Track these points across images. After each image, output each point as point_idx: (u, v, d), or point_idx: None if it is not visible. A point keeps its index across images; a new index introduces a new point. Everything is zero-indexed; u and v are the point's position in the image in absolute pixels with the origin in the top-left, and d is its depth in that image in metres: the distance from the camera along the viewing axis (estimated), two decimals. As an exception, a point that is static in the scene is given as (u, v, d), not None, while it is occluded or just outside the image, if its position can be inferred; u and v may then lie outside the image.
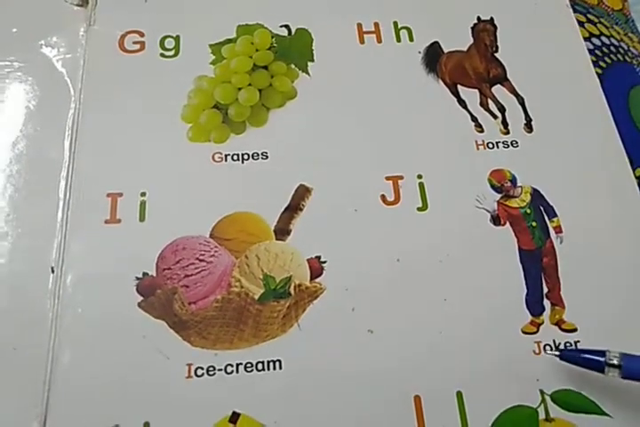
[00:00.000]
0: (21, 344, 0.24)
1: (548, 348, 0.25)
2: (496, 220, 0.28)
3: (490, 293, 0.26)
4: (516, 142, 0.30)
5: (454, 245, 0.27)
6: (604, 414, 0.24)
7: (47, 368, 0.23)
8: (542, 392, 0.25)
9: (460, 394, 0.24)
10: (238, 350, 0.24)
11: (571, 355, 0.24)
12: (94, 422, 0.23)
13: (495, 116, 0.31)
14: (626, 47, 0.37)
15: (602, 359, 0.23)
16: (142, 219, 0.27)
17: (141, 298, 0.25)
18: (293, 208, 0.28)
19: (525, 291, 0.27)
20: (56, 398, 0.23)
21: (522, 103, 0.32)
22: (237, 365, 0.24)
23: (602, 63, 0.35)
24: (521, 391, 0.24)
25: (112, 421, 0.23)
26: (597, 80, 0.33)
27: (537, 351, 0.25)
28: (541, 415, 0.24)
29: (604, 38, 0.37)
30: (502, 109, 0.32)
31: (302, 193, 0.28)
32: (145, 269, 0.26)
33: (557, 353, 0.24)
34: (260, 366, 0.24)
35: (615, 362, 0.23)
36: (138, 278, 0.25)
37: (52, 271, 0.25)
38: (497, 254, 0.27)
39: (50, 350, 0.24)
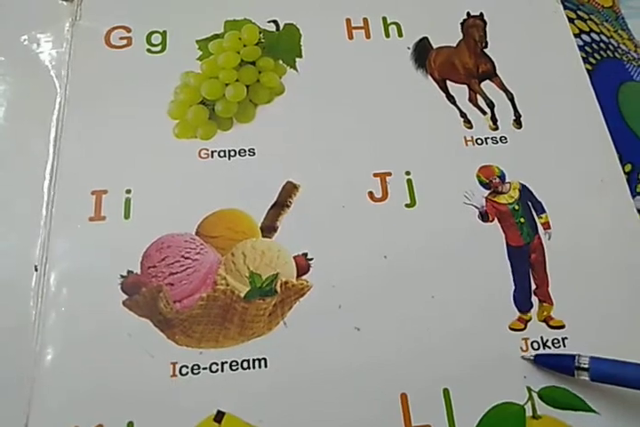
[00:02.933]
0: (4, 343, 0.23)
1: (526, 353, 0.25)
2: (484, 216, 0.28)
3: (477, 289, 0.26)
4: (505, 138, 0.30)
5: (442, 241, 0.27)
6: (590, 410, 0.24)
7: (30, 367, 0.23)
8: (529, 389, 0.24)
9: (446, 391, 0.24)
10: (224, 349, 0.24)
11: (543, 359, 0.24)
12: (78, 421, 0.22)
13: (484, 112, 0.31)
14: (616, 44, 0.37)
15: (572, 363, 0.23)
16: (127, 216, 0.26)
17: (126, 296, 0.25)
18: (280, 205, 0.27)
19: (513, 287, 0.26)
20: (39, 397, 0.23)
21: (511, 99, 0.32)
22: (222, 363, 0.24)
23: (592, 59, 0.34)
24: (508, 389, 0.24)
25: (95, 420, 0.22)
26: (587, 76, 0.33)
27: (524, 348, 0.25)
28: (528, 412, 0.24)
29: (593, 35, 0.37)
30: (491, 105, 0.31)
31: (289, 190, 0.28)
32: (130, 267, 0.25)
33: (532, 357, 0.25)
34: (245, 365, 0.24)
35: (584, 365, 0.23)
36: (122, 276, 0.25)
37: (36, 270, 0.25)
38: (485, 251, 0.27)
39: (33, 349, 0.24)
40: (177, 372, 0.23)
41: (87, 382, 0.23)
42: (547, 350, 0.25)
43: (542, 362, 0.24)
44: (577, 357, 0.24)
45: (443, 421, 0.24)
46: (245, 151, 0.29)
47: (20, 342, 0.24)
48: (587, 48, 0.35)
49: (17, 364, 0.23)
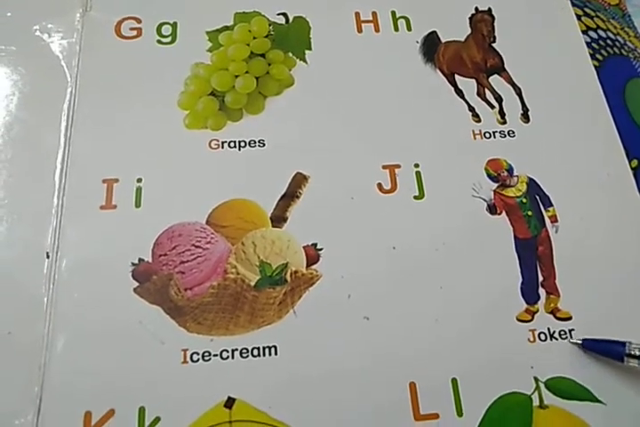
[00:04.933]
0: (17, 328, 0.23)
1: (571, 338, 0.26)
2: (492, 209, 0.28)
3: (485, 281, 0.26)
4: (513, 132, 0.31)
5: (450, 233, 0.27)
6: (597, 400, 0.25)
7: (42, 352, 0.23)
8: (536, 380, 0.25)
9: (454, 381, 0.24)
10: (234, 336, 0.24)
11: (592, 344, 0.25)
12: (90, 406, 0.23)
13: (492, 106, 0.31)
14: (622, 41, 0.38)
15: (622, 350, 0.24)
16: (138, 205, 0.27)
17: (137, 284, 0.25)
18: (290, 196, 0.28)
19: (521, 279, 0.27)
20: (51, 382, 0.23)
21: (519, 93, 0.32)
22: (233, 350, 0.24)
23: (599, 56, 0.35)
24: (515, 379, 0.25)
25: (107, 405, 0.23)
26: (594, 72, 0.33)
27: (531, 339, 0.25)
28: (535, 402, 0.24)
29: (600, 32, 0.37)
30: (499, 99, 0.32)
31: (299, 181, 0.28)
32: (141, 255, 0.25)
33: (580, 342, 0.25)
34: (255, 352, 0.24)
35: (635, 353, 0.24)
36: (133, 264, 0.25)
37: (48, 257, 0.25)
38: (493, 243, 0.27)
39: (45, 335, 0.24)
40: (188, 358, 0.24)
41: (98, 368, 0.23)
42: (554, 342, 0.25)
43: (590, 347, 0.25)
44: (628, 344, 0.24)
45: (451, 409, 0.24)
46: (255, 142, 0.29)
47: (31, 328, 0.24)
48: (594, 45, 0.35)
49: (29, 349, 0.23)
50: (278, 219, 0.27)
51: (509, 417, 0.24)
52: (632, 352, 0.24)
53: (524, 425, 0.24)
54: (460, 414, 0.24)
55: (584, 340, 0.25)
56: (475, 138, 0.30)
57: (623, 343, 0.25)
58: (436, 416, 0.24)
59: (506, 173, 0.30)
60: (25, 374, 0.23)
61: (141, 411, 0.23)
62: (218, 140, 0.29)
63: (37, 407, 0.22)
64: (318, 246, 0.26)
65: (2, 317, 0.24)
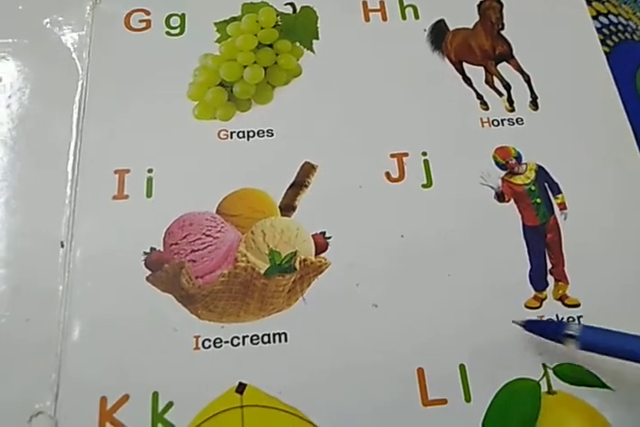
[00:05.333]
0: (34, 316, 0.24)
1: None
2: (500, 196, 0.28)
3: (493, 268, 0.27)
4: (522, 120, 0.30)
5: (458, 221, 0.27)
6: (605, 386, 0.25)
7: (59, 339, 0.24)
8: (545, 366, 0.25)
9: (462, 367, 0.24)
10: (245, 323, 0.25)
11: (532, 325, 0.24)
12: (105, 391, 0.23)
13: (501, 94, 0.31)
14: (634, 26, 0.37)
15: (561, 330, 0.23)
16: (149, 195, 0.27)
17: (149, 272, 0.25)
18: (299, 185, 0.28)
19: (529, 266, 0.27)
20: (68, 369, 0.23)
21: (527, 81, 0.32)
22: (244, 337, 0.24)
23: (609, 42, 0.34)
24: (524, 365, 0.25)
25: (122, 390, 0.23)
26: (604, 58, 0.33)
27: (540, 326, 0.26)
28: (544, 388, 0.24)
29: (611, 17, 0.36)
30: (508, 87, 0.31)
31: (307, 170, 0.28)
32: (152, 244, 0.26)
33: (523, 324, 0.25)
34: (265, 339, 0.25)
35: (573, 333, 0.23)
36: (145, 253, 0.26)
37: (62, 246, 0.26)
38: (501, 231, 0.27)
39: (61, 322, 0.24)
40: (200, 345, 0.24)
41: (113, 355, 0.24)
42: (561, 328, 0.26)
43: (531, 328, 0.24)
44: (566, 325, 0.24)
45: (459, 395, 0.24)
46: (264, 132, 0.29)
47: (47, 316, 0.24)
48: (604, 30, 0.35)
49: (45, 337, 0.24)
50: (287, 208, 0.27)
51: (517, 403, 0.24)
52: (570, 332, 0.23)
53: (533, 410, 0.24)
54: (468, 399, 0.24)
55: (527, 321, 0.25)
56: (483, 126, 0.30)
57: (563, 324, 0.24)
58: (444, 402, 0.24)
59: (514, 161, 0.29)
60: (43, 360, 0.23)
61: (155, 396, 0.23)
62: (227, 131, 0.29)
63: (55, 393, 0.23)
64: (327, 235, 0.27)
65: (20, 304, 0.24)
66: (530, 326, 0.24)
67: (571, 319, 0.26)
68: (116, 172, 0.27)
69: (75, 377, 0.23)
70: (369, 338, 0.25)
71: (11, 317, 0.24)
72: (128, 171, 0.27)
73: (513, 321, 0.25)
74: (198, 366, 0.24)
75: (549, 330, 0.24)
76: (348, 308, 0.25)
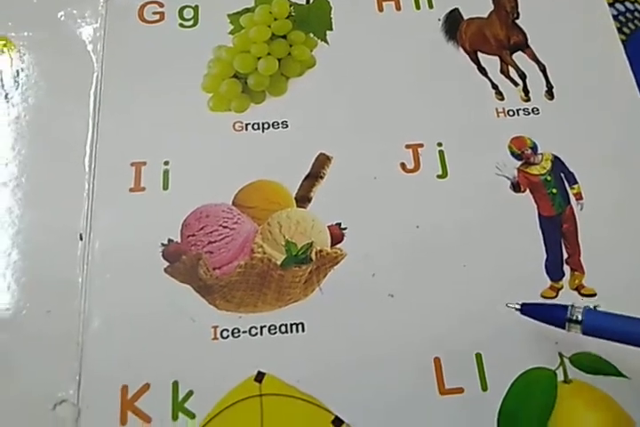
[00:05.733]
0: (54, 308, 0.25)
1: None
2: (516, 187, 0.28)
3: (509, 258, 0.26)
4: (537, 110, 0.30)
5: (474, 211, 0.27)
6: (621, 375, 0.25)
7: (79, 330, 0.24)
8: (561, 355, 0.25)
9: (479, 356, 0.25)
10: (262, 313, 0.25)
11: (531, 309, 0.23)
12: (126, 380, 0.24)
13: (516, 84, 0.31)
14: (651, 13, 0.37)
15: (564, 314, 0.22)
16: (166, 187, 0.27)
17: (167, 264, 0.26)
18: (314, 176, 0.28)
19: (545, 256, 0.27)
20: (89, 358, 0.24)
21: (543, 70, 0.31)
22: (261, 327, 0.25)
23: (626, 29, 0.34)
24: (540, 354, 0.25)
25: (143, 379, 0.24)
26: (621, 46, 0.32)
27: (556, 316, 0.26)
28: (560, 377, 0.25)
29: (628, 4, 0.36)
30: (523, 77, 0.31)
31: (322, 161, 0.28)
32: (170, 235, 0.26)
33: (518, 307, 0.23)
34: (283, 329, 0.25)
35: (577, 317, 0.22)
36: (163, 245, 0.26)
37: (81, 238, 0.26)
38: (517, 221, 0.27)
39: (81, 313, 0.25)
40: (218, 335, 0.24)
41: (133, 345, 0.24)
42: (578, 318, 0.26)
43: (529, 312, 0.23)
44: (570, 307, 0.22)
45: (476, 384, 0.24)
46: (279, 124, 0.29)
47: (67, 308, 0.25)
48: (621, 18, 0.34)
49: (66, 328, 0.24)
50: (303, 199, 0.28)
51: (534, 391, 0.24)
52: (574, 317, 0.22)
53: (549, 399, 0.24)
54: (484, 388, 0.24)
55: (523, 304, 0.23)
56: (498, 116, 0.30)
57: (565, 307, 0.23)
58: (460, 391, 0.24)
59: (530, 151, 0.29)
60: (64, 350, 0.24)
61: (175, 385, 0.23)
62: (242, 122, 0.29)
63: (78, 382, 0.23)
64: (342, 226, 0.27)
65: (41, 296, 0.25)
66: (527, 310, 0.23)
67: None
68: (132, 164, 0.27)
69: (96, 367, 0.24)
70: (385, 328, 0.25)
71: (32, 309, 0.25)
72: (144, 163, 0.27)
73: (507, 304, 0.24)
74: (217, 355, 0.24)
75: (548, 314, 0.23)
76: (364, 298, 0.25)
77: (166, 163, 0.28)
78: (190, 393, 0.23)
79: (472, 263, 0.26)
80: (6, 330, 0.24)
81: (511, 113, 0.30)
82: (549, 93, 0.31)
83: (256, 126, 0.29)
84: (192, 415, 0.23)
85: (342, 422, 0.23)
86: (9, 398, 0.23)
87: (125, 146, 0.28)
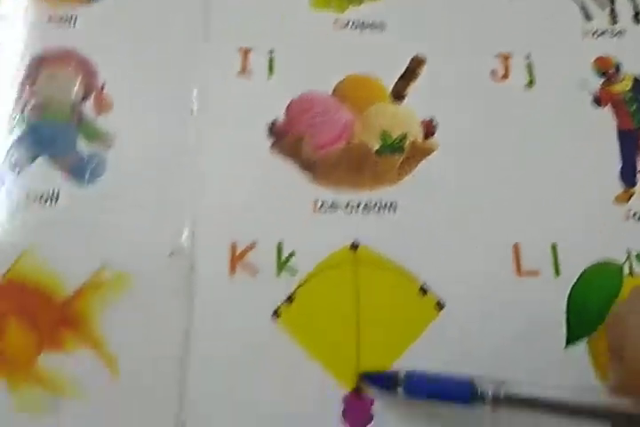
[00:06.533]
0: (170, 167, 0.26)
1: None
2: (598, 101, 0.30)
3: (587, 163, 0.28)
4: (623, 32, 0.31)
5: (557, 121, 0.29)
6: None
7: (193, 190, 0.26)
8: (628, 251, 0.27)
9: (554, 245, 0.27)
10: (358, 192, 0.27)
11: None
12: (235, 237, 0.25)
13: (604, 7, 0.32)
14: None
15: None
16: (271, 73, 0.29)
17: (273, 140, 0.27)
18: (408, 76, 0.29)
19: (620, 165, 0.29)
20: (202, 215, 0.26)
21: (631, -4, 0.33)
22: (357, 204, 0.27)
23: None
24: (609, 249, 0.27)
25: (250, 237, 0.25)
26: None
27: (626, 217, 0.28)
28: (626, 271, 0.27)
29: None
30: (611, 0, 0.32)
31: (417, 63, 0.30)
32: (275, 116, 0.28)
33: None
34: (377, 207, 0.27)
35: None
36: (269, 124, 0.28)
37: (192, 112, 0.28)
38: (596, 132, 0.29)
39: (194, 176, 0.26)
40: (318, 207, 0.27)
41: (242, 208, 0.26)
42: None
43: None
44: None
45: (550, 269, 0.26)
46: (376, 25, 0.30)
47: (181, 168, 0.27)
48: None
49: (181, 186, 0.26)
50: (397, 96, 0.29)
51: (601, 280, 0.26)
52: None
53: (614, 288, 0.26)
54: (557, 273, 0.26)
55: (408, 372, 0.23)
56: (585, 36, 0.31)
57: (465, 382, 0.22)
58: (536, 273, 0.26)
59: (613, 70, 0.31)
60: (177, 203, 0.26)
61: (279, 245, 0.26)
62: (341, 21, 0.30)
63: (191, 233, 0.25)
64: (434, 122, 0.29)
65: (153, 158, 0.27)
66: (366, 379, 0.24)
67: (655, 215, 0.28)
68: (240, 49, 0.29)
69: (208, 222, 0.26)
70: (470, 213, 0.27)
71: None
72: (251, 49, 0.29)
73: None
74: (317, 225, 0.26)
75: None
76: (452, 185, 0.27)
77: (271, 51, 0.29)
78: (292, 254, 0.26)
79: (553, 163, 0.28)
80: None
81: (597, 34, 0.31)
82: (636, 18, 0.32)
83: (354, 26, 0.30)
84: (294, 273, 0.25)
85: (428, 290, 0.26)
86: (127, 249, 0.25)
87: (235, 32, 0.29)
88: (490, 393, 0.21)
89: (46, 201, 0.26)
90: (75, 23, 0.28)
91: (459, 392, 0.22)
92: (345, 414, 0.24)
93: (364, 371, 0.24)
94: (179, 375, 0.24)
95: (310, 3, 0.30)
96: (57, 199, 0.26)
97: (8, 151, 0.26)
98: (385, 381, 0.24)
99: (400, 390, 0.23)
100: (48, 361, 0.24)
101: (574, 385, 0.24)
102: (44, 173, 0.26)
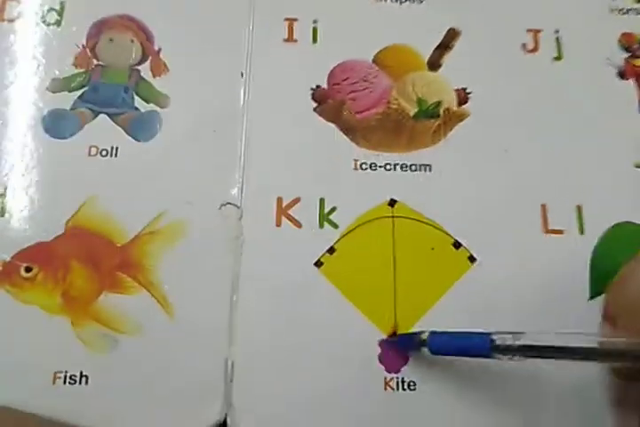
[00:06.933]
0: (220, 128, 0.28)
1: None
2: (622, 75, 0.32)
3: (609, 132, 0.30)
4: (647, 11, 0.33)
5: (585, 92, 0.31)
6: (701, 236, 0.29)
7: (242, 150, 0.28)
8: (649, 198, 0.29)
9: (579, 207, 0.28)
10: (396, 154, 0.29)
11: (440, 343, 0.24)
12: (281, 192, 0.27)
13: (630, -13, 0.34)
14: None
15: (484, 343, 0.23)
16: (315, 41, 0.30)
17: (315, 104, 0.29)
18: (444, 46, 0.31)
19: (643, 133, 0.31)
20: (251, 171, 0.28)
21: (656, -25, 0.34)
22: (395, 164, 0.28)
23: None
24: (631, 211, 0.28)
25: (295, 193, 0.27)
26: None
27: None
28: (646, 229, 0.29)
29: None
30: (637, -19, 0.34)
31: (452, 35, 0.31)
32: (318, 82, 0.30)
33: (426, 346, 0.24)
34: (413, 168, 0.29)
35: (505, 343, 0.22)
36: (312, 89, 0.30)
37: (242, 76, 0.29)
38: (620, 104, 0.31)
39: (243, 137, 0.28)
40: (358, 167, 0.28)
41: (287, 164, 0.28)
42: None
43: (438, 349, 0.24)
44: (490, 336, 0.23)
45: (575, 228, 0.28)
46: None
47: (231, 131, 0.28)
48: None
49: (232, 148, 0.28)
50: (433, 65, 0.31)
51: (624, 239, 0.28)
52: (499, 344, 0.22)
53: (636, 247, 0.28)
54: (582, 232, 0.28)
55: (431, 333, 0.24)
56: (612, 12, 0.33)
57: (485, 335, 0.23)
58: (561, 232, 0.28)
59: (637, 46, 0.32)
60: (232, 162, 0.28)
61: (322, 201, 0.27)
62: (381, -5, 0.32)
63: (241, 189, 0.27)
64: (467, 90, 0.30)
65: (208, 118, 0.29)
66: (435, 345, 0.24)
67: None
68: (285, 19, 0.31)
69: (256, 178, 0.28)
70: (501, 177, 0.29)
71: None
72: (296, 19, 0.31)
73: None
74: (357, 183, 0.28)
75: (471, 346, 0.23)
76: (483, 150, 0.29)
77: (315, 21, 0.31)
78: (334, 209, 0.27)
79: (578, 131, 0.30)
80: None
81: (623, 12, 0.33)
82: (660, -3, 0.34)
83: (394, 0, 0.32)
84: (336, 226, 0.27)
85: (461, 244, 0.27)
86: (181, 200, 0.27)
87: (280, 2, 0.31)
88: (508, 343, 0.22)
89: (107, 155, 0.28)
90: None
91: (479, 348, 0.23)
92: (381, 356, 0.26)
93: (390, 335, 0.26)
94: (228, 317, 0.26)
95: (351, -23, 0.32)
96: (117, 154, 0.28)
97: (72, 108, 0.28)
98: (410, 342, 0.26)
99: (425, 349, 0.25)
100: (108, 302, 0.26)
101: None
102: (104, 129, 0.28)
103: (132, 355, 0.26)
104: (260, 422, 0.25)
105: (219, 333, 0.26)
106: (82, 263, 0.27)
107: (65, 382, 0.25)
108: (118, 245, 0.27)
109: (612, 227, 0.28)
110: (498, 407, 0.26)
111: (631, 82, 0.31)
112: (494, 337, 0.22)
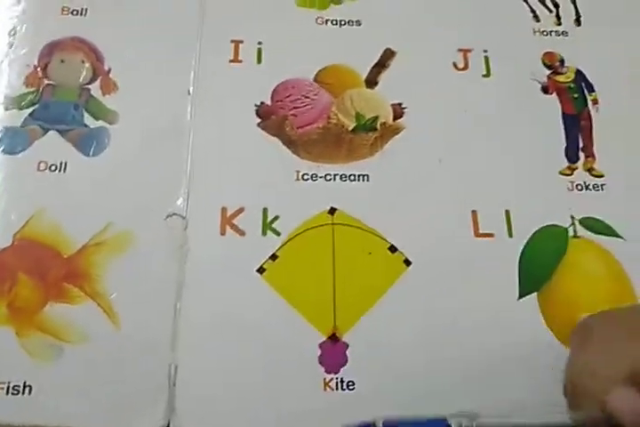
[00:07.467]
0: (164, 145, 0.30)
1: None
2: (545, 90, 0.34)
3: (535, 143, 0.32)
4: (567, 33, 0.36)
5: (511, 105, 0.33)
6: (618, 236, 0.30)
7: (187, 160, 0.29)
8: (572, 217, 0.31)
9: (508, 211, 0.30)
10: (335, 165, 0.30)
11: None
12: (225, 203, 0.28)
13: (550, 10, 0.37)
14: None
15: None
16: (259, 61, 0.32)
17: (259, 120, 0.31)
18: (380, 65, 0.33)
19: (565, 144, 0.33)
20: (196, 181, 0.29)
21: (573, 2, 0.37)
22: (335, 175, 0.30)
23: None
24: (556, 215, 0.30)
25: (239, 204, 0.29)
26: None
27: (570, 188, 0.31)
28: (570, 233, 0.30)
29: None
30: (556, 5, 0.37)
31: (388, 54, 0.34)
32: (262, 99, 0.31)
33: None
34: (352, 178, 0.30)
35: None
36: (256, 105, 0.31)
37: (189, 93, 0.31)
38: (544, 116, 0.33)
39: (188, 149, 0.30)
40: (300, 177, 0.30)
41: (232, 174, 0.29)
42: (588, 192, 0.31)
43: None
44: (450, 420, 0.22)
45: (503, 232, 0.30)
46: (353, 22, 0.34)
47: (175, 143, 0.30)
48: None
49: (176, 155, 0.29)
50: (370, 82, 0.33)
51: (550, 241, 0.30)
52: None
53: (561, 248, 0.30)
54: (510, 235, 0.30)
55: (384, 422, 0.23)
56: (534, 34, 0.36)
57: (440, 420, 0.22)
58: (491, 235, 0.30)
59: (558, 64, 0.35)
60: (174, 172, 0.29)
61: (265, 210, 0.29)
62: (323, 18, 0.34)
63: (186, 200, 0.29)
64: (402, 106, 0.32)
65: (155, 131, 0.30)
66: None
67: (595, 186, 0.32)
68: (232, 41, 0.33)
69: (202, 189, 0.29)
70: (433, 183, 0.30)
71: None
72: (242, 41, 0.33)
73: None
74: (299, 192, 0.30)
75: None
76: (418, 159, 0.31)
77: (260, 43, 0.33)
78: (277, 217, 0.29)
79: (505, 142, 0.32)
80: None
81: (545, 33, 0.36)
82: (577, 21, 0.36)
83: (334, 22, 0.34)
84: (278, 233, 0.29)
85: (396, 249, 0.29)
86: (128, 211, 0.28)
87: (226, 25, 0.33)
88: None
89: (55, 170, 0.29)
90: (85, 14, 0.32)
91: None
92: (321, 358, 0.27)
93: (329, 337, 0.27)
94: (172, 324, 0.27)
95: (296, 2, 0.34)
96: (65, 169, 0.29)
97: (22, 125, 0.29)
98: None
99: None
100: (53, 312, 0.27)
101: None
102: (54, 145, 0.29)
103: (77, 364, 0.26)
104: (202, 425, 0.26)
105: (163, 340, 0.27)
106: (28, 275, 0.27)
107: (7, 393, 0.25)
108: (65, 256, 0.28)
109: (539, 230, 0.31)
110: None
111: (554, 96, 0.34)
112: (450, 422, 0.22)
